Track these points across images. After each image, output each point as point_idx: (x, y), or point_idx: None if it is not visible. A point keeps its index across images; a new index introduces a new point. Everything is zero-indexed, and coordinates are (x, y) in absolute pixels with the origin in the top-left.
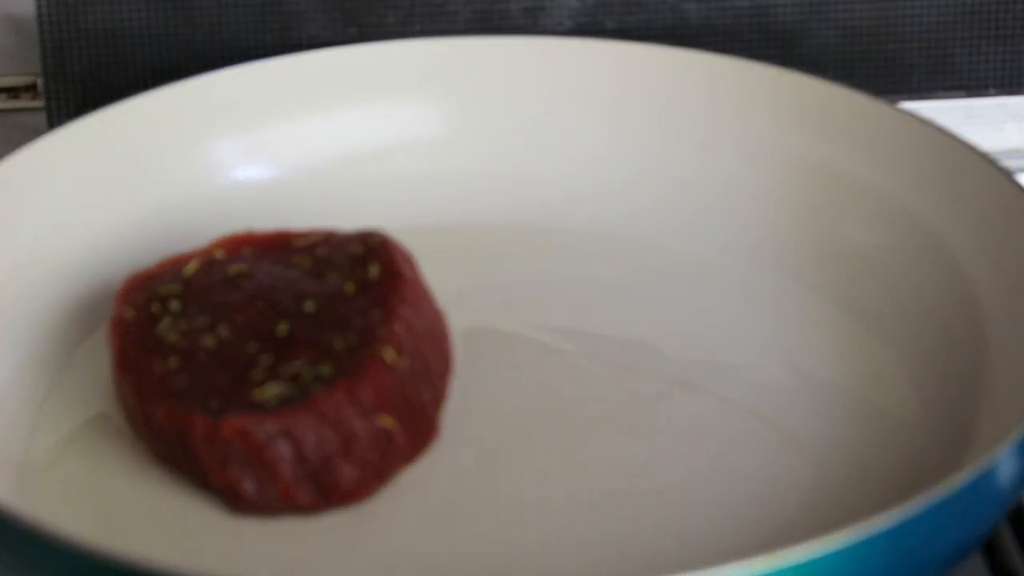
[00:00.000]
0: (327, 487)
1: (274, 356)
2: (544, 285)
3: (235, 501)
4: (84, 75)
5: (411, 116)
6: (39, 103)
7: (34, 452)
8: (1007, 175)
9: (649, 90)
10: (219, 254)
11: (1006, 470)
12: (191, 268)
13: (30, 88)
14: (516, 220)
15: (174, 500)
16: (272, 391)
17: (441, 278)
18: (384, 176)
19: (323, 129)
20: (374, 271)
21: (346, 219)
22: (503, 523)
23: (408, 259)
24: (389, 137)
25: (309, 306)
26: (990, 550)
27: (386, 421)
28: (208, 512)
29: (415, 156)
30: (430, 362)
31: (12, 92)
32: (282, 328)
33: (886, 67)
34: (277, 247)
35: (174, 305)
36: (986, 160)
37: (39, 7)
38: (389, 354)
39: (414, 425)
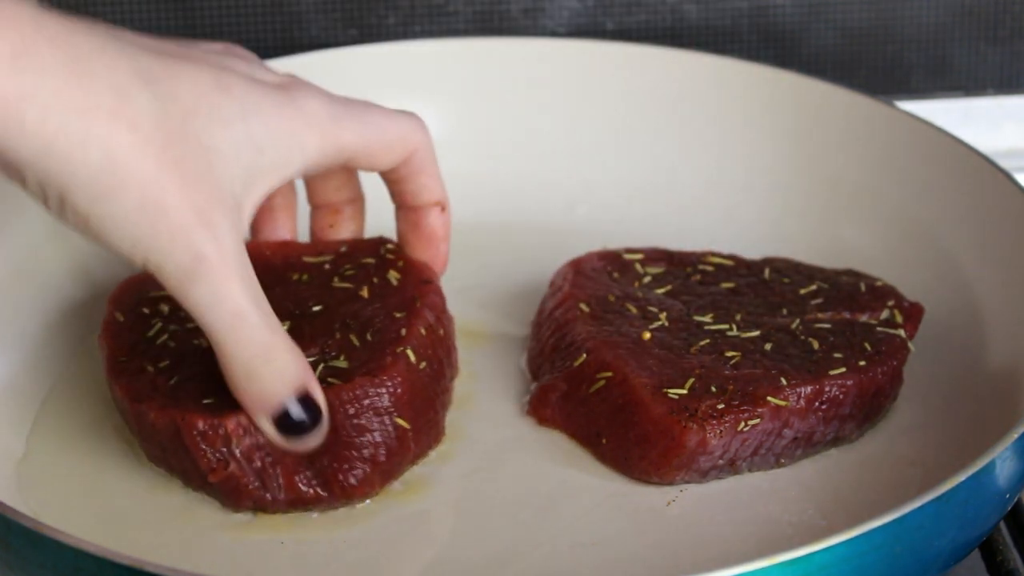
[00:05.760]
0: (331, 481)
1: None
2: (544, 285)
3: (234, 498)
4: None
5: None
6: None
7: (34, 452)
8: (1006, 175)
9: (648, 91)
10: None
11: (1005, 470)
12: None
13: None
14: (516, 220)
15: (173, 500)
16: None
17: (442, 278)
18: None
19: None
20: (393, 276)
21: None
22: (503, 523)
23: (431, 266)
24: None
25: (313, 307)
26: (989, 549)
27: (400, 421)
28: (208, 512)
29: None
30: (443, 366)
31: None
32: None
33: (885, 67)
34: (277, 258)
35: (164, 308)
36: (985, 160)
37: None
38: (411, 355)
39: (425, 427)
